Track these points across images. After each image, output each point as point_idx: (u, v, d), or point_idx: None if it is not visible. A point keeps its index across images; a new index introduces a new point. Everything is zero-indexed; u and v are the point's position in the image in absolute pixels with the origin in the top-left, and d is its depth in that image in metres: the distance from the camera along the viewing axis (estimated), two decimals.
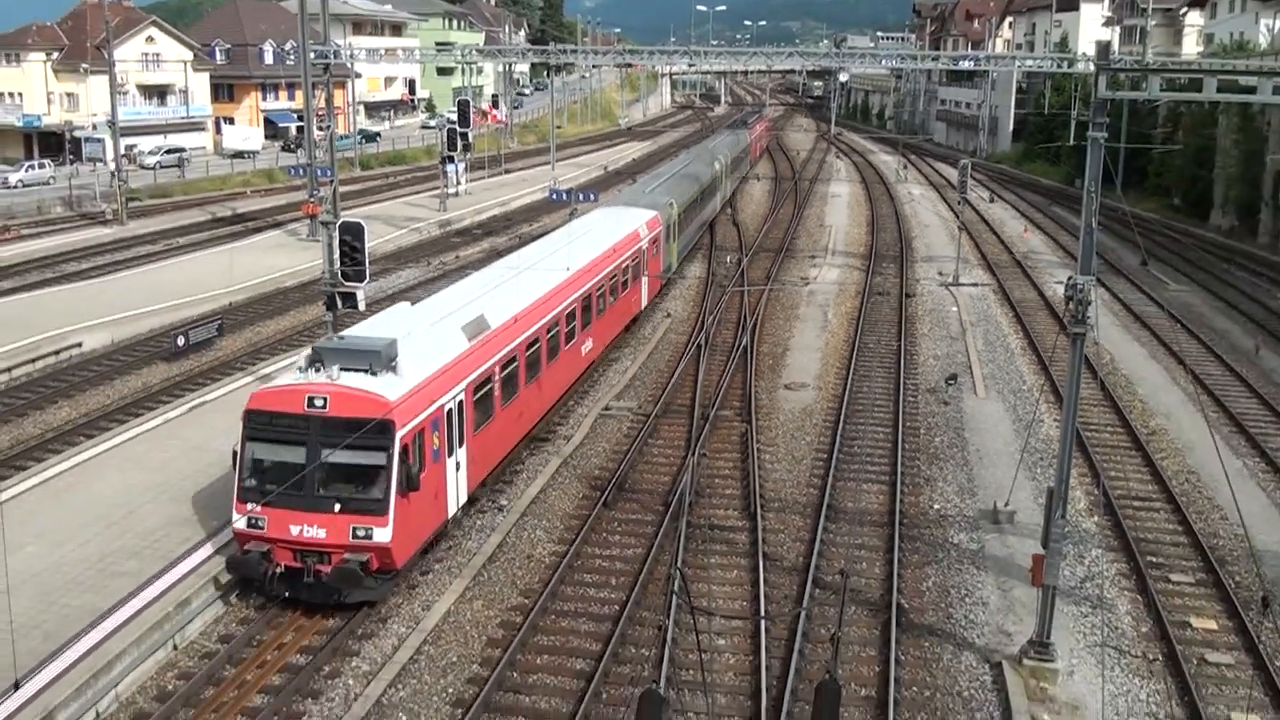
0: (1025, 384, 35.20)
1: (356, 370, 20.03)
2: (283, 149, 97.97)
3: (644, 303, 40.51)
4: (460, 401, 22.00)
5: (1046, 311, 45.56)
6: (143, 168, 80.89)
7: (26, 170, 78.05)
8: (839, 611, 20.41)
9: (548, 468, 27.35)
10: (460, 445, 22.24)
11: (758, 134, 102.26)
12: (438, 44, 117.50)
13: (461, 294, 27.24)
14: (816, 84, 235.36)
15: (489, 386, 23.85)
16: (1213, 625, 20.62)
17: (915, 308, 45.60)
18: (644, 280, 39.65)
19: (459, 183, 74.13)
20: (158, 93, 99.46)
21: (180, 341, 36.35)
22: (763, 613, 20.35)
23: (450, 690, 18.26)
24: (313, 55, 40.91)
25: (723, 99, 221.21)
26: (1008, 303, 46.96)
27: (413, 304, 26.97)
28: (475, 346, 23.42)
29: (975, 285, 50.40)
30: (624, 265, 36.15)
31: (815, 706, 7.97)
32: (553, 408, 30.08)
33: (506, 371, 25.04)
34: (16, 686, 12.34)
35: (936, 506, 25.71)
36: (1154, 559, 23.10)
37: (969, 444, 29.70)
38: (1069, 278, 17.93)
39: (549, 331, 28.23)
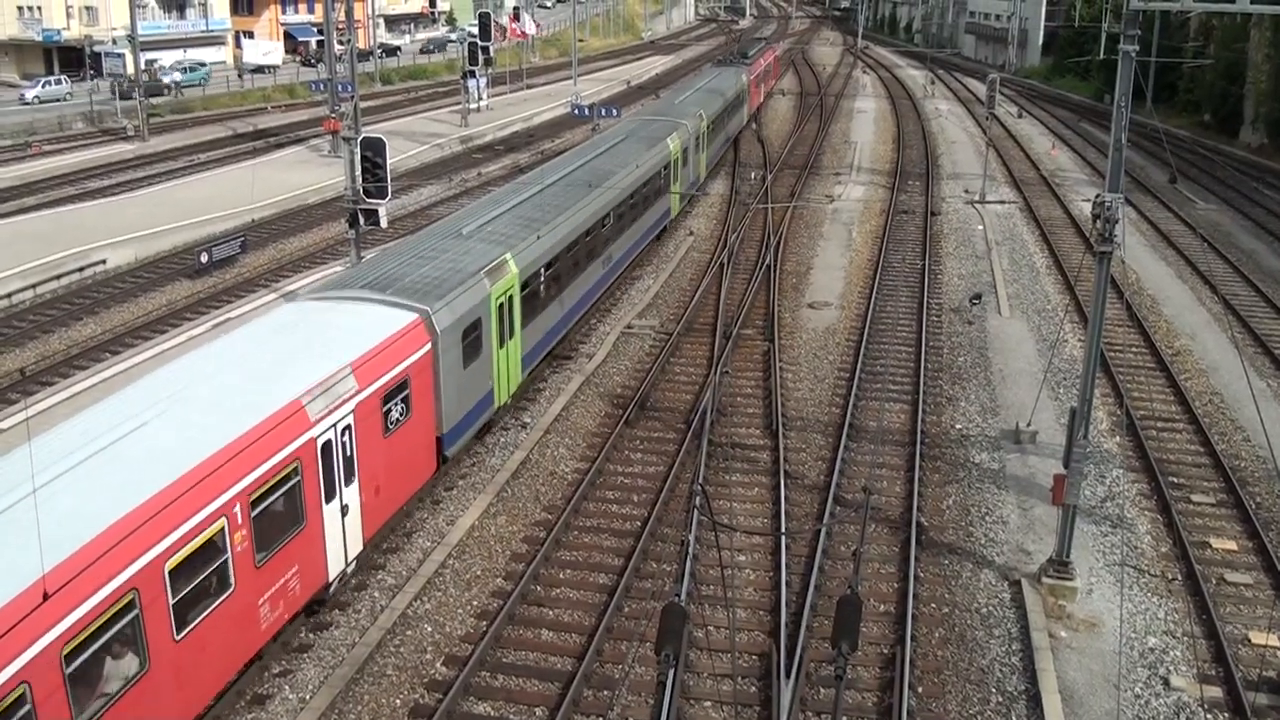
0: (1050, 304, 34.97)
1: None
2: (303, 64, 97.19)
3: (331, 573, 17.45)
4: None
5: (1073, 230, 45.09)
6: (166, 88, 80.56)
7: (43, 86, 77.75)
8: (860, 528, 20.57)
9: (570, 386, 27.45)
10: None
11: (760, 72, 72.25)
12: None
13: None
14: None
15: None
16: (1233, 546, 20.68)
17: (940, 226, 45.19)
18: (330, 523, 17.11)
19: (481, 98, 73.46)
20: (176, 6, 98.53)
21: (204, 258, 36.44)
22: (783, 529, 20.53)
23: (475, 603, 18.56)
24: None
25: (748, 11, 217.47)
26: (1034, 221, 46.47)
27: None
28: None
29: (1002, 203, 49.86)
30: (207, 529, 14.04)
31: (836, 618, 8.06)
32: None
33: None
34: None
35: (959, 426, 25.73)
36: (1175, 479, 23.11)
37: (992, 364, 29.63)
38: (1096, 195, 17.72)
39: None
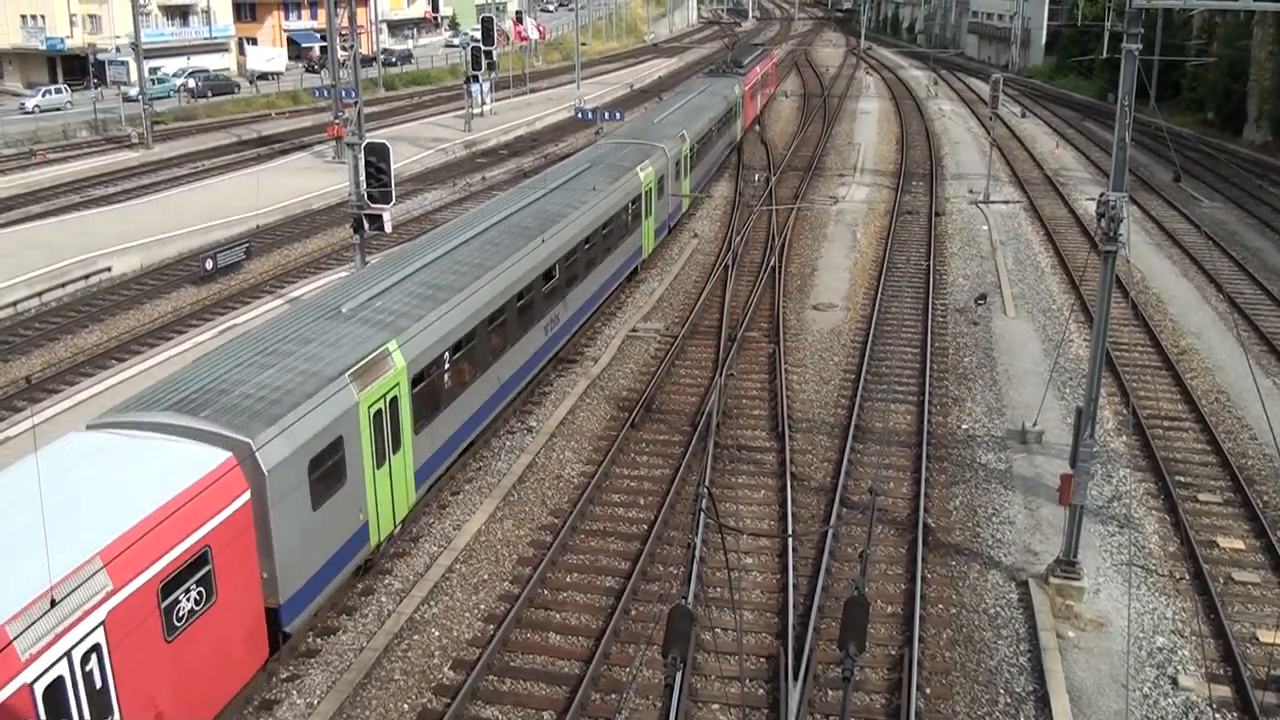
0: (1055, 303, 34.93)
1: None
2: (307, 70, 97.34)
3: None
4: None
5: (1077, 229, 45.04)
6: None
7: (43, 95, 77.84)
8: (867, 530, 20.56)
9: (575, 389, 27.45)
10: None
11: (756, 82, 66.90)
12: None
13: None
14: None
15: None
16: (1240, 544, 20.63)
17: (945, 226, 45.16)
18: None
19: (484, 102, 73.54)
20: (180, 13, 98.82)
21: (209, 265, 36.48)
22: (790, 531, 20.51)
23: (482, 607, 18.57)
24: None
25: (750, 13, 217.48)
26: (1038, 220, 46.43)
27: None
28: None
29: (1006, 203, 49.82)
30: None
31: (843, 620, 8.02)
32: None
33: None
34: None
35: (965, 426, 25.70)
36: (1182, 479, 23.07)
37: (998, 364, 29.60)
38: (1101, 194, 17.71)
39: None
